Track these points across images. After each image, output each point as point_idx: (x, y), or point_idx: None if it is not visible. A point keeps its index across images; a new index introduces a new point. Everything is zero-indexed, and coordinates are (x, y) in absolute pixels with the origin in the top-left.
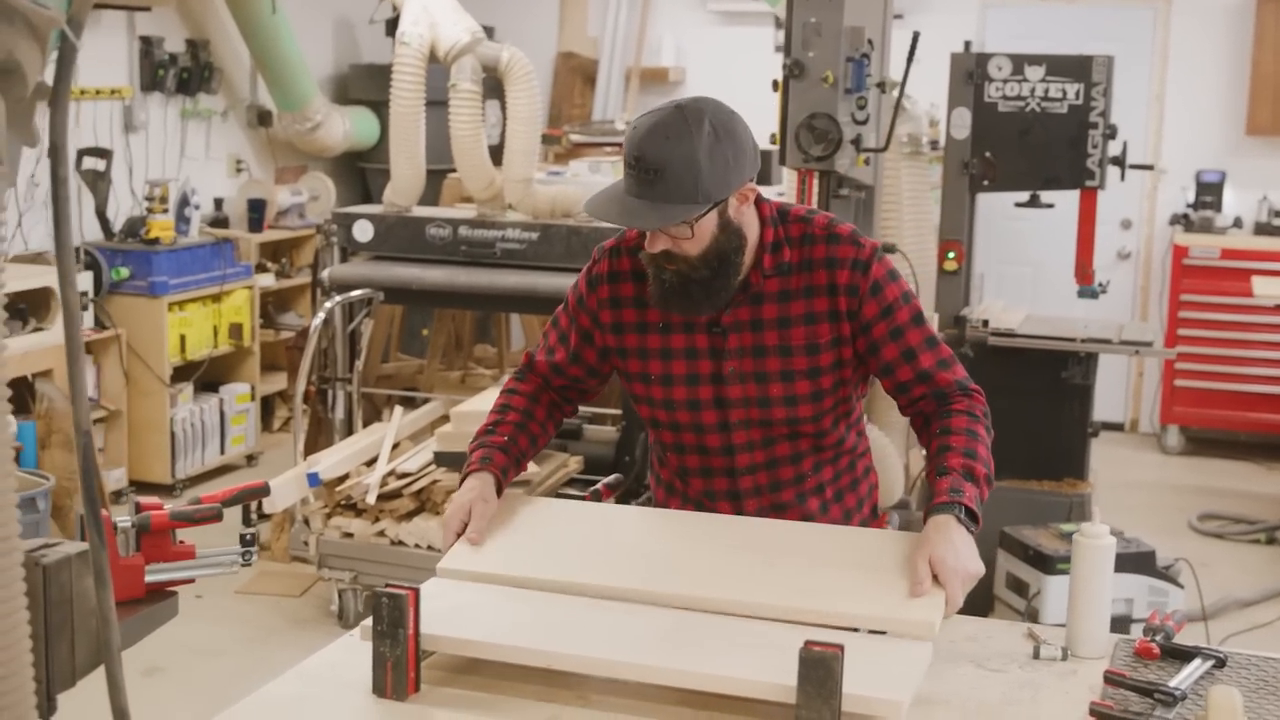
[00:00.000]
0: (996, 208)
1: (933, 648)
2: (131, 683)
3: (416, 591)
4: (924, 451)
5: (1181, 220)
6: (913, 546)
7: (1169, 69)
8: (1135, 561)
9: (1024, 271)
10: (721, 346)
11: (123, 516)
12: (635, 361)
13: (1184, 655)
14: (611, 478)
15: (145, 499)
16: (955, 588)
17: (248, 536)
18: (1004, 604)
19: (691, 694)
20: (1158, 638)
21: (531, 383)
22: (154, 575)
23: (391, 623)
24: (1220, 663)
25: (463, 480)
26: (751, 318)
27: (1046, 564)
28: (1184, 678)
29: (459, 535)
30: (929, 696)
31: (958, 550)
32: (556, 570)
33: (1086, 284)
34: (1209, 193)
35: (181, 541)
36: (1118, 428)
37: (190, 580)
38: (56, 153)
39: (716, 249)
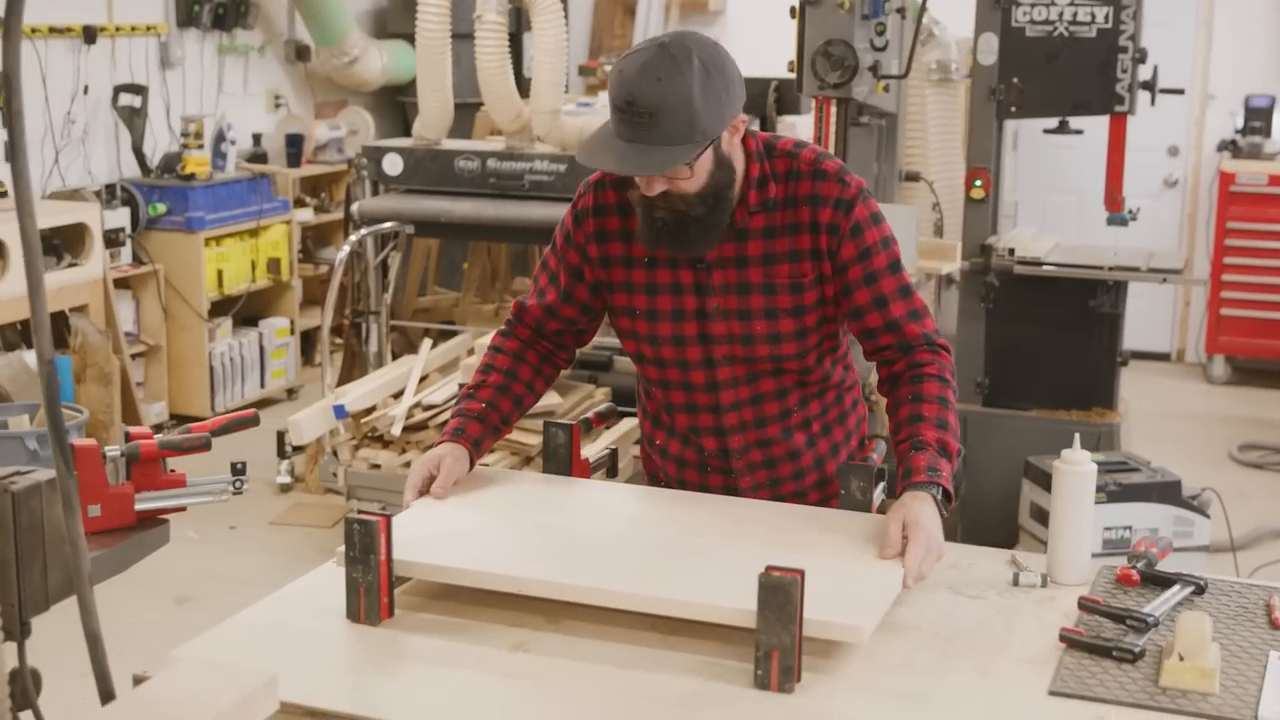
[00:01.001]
0: (1040, 135)
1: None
2: (163, 610)
3: (388, 518)
4: (888, 405)
5: (1229, 146)
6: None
7: None
8: (1160, 491)
9: (1068, 200)
10: (706, 283)
11: (112, 446)
12: (621, 295)
13: (1164, 582)
14: (603, 406)
15: (134, 429)
16: (919, 552)
17: (238, 465)
18: (1028, 534)
19: (660, 619)
20: (1139, 564)
21: (520, 336)
22: (144, 503)
23: (363, 549)
24: (1200, 589)
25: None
26: (736, 254)
27: None
28: (1159, 604)
29: (422, 493)
30: (901, 621)
31: (933, 521)
32: (495, 563)
33: (1116, 211)
34: (1258, 118)
35: (173, 470)
36: (1164, 358)
37: (181, 508)
38: (9, 84)
39: (713, 185)
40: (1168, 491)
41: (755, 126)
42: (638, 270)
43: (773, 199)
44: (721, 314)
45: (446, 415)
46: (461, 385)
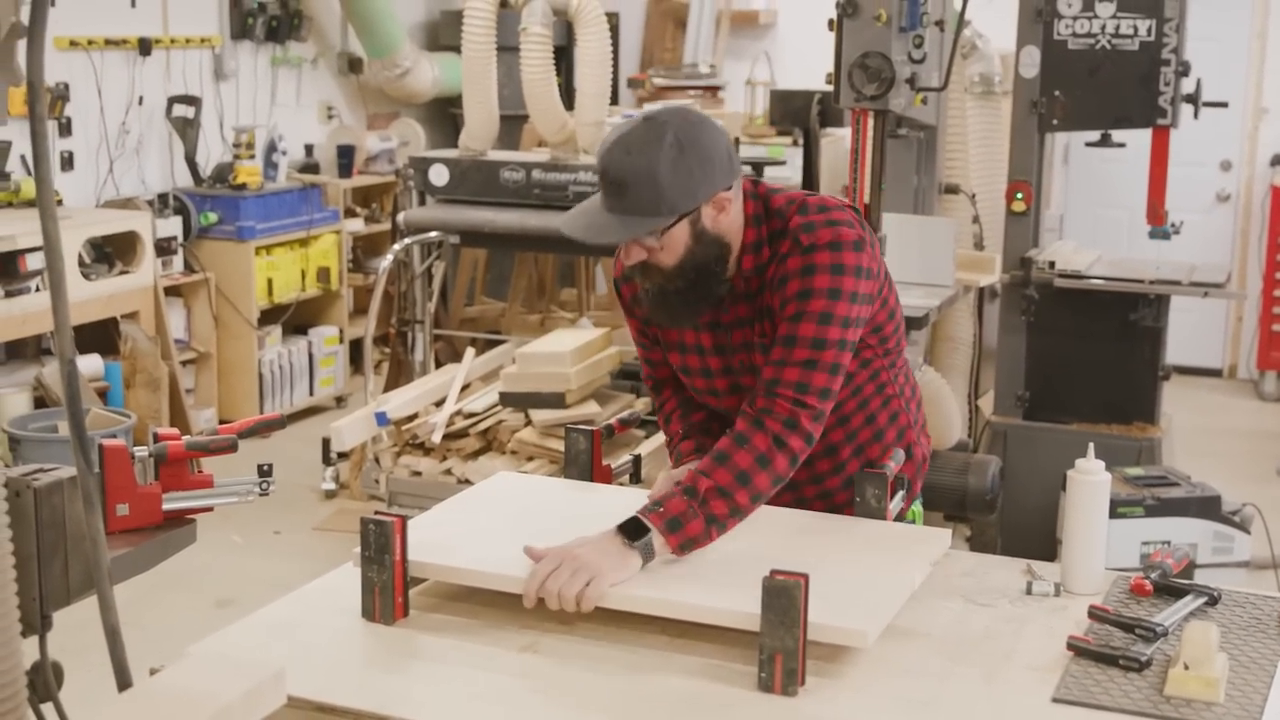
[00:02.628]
0: (1092, 150)
1: (921, 580)
2: (203, 612)
3: (403, 519)
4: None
5: None
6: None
7: (1272, 5)
8: (1199, 506)
9: (1118, 215)
10: (726, 343)
11: (141, 447)
12: (661, 350)
13: (1177, 592)
14: (625, 413)
15: (163, 430)
16: (535, 584)
17: (265, 467)
18: None
19: (669, 622)
20: (1154, 575)
21: (674, 396)
22: (171, 503)
23: (378, 549)
24: (1213, 600)
25: None
26: (748, 314)
27: (1110, 508)
28: (1170, 614)
29: None
30: (910, 628)
31: (590, 559)
32: (508, 566)
33: (1159, 225)
34: None
35: (200, 470)
36: (1215, 374)
37: (208, 509)
38: (33, 90)
39: (692, 260)
40: (1207, 506)
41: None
42: (670, 330)
43: (763, 261)
44: (746, 369)
45: (488, 423)
46: (501, 394)
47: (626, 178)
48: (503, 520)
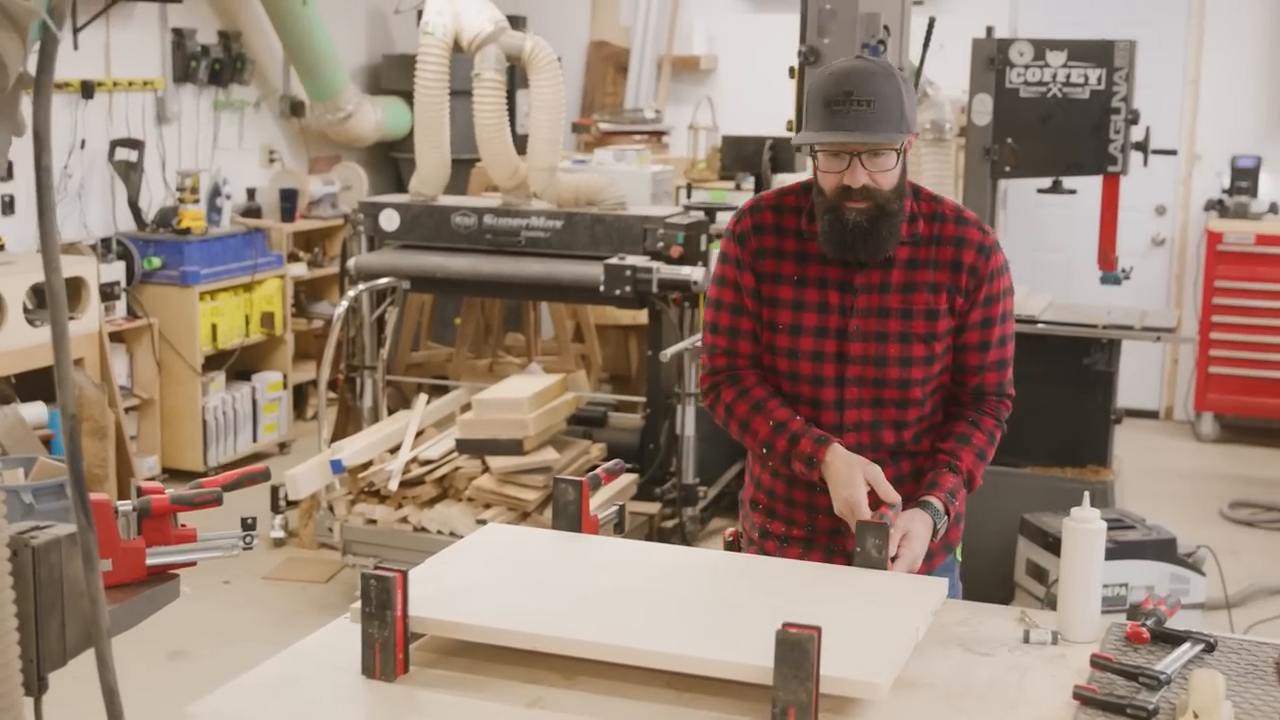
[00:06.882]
0: (1030, 195)
1: (925, 630)
2: (156, 665)
3: (404, 574)
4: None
5: (1216, 206)
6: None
7: (1204, 53)
8: (1156, 549)
9: (1057, 259)
10: (851, 304)
11: (124, 501)
12: (767, 309)
13: (1174, 639)
14: (612, 463)
15: (147, 484)
16: (902, 566)
17: (249, 520)
18: (1024, 590)
19: (676, 676)
20: (1148, 622)
21: (745, 379)
22: (155, 558)
23: (379, 604)
24: (1210, 647)
25: (812, 466)
26: (881, 280)
27: None
28: (1170, 661)
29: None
30: (913, 679)
31: (922, 543)
32: (511, 620)
33: (1109, 270)
34: (1244, 178)
35: (183, 525)
36: (1152, 415)
37: (191, 563)
38: (40, 141)
39: (899, 188)
40: (1164, 549)
41: (751, 183)
42: (785, 287)
43: (920, 234)
44: (860, 335)
45: (444, 470)
46: (458, 440)
47: (876, 96)
48: (498, 573)
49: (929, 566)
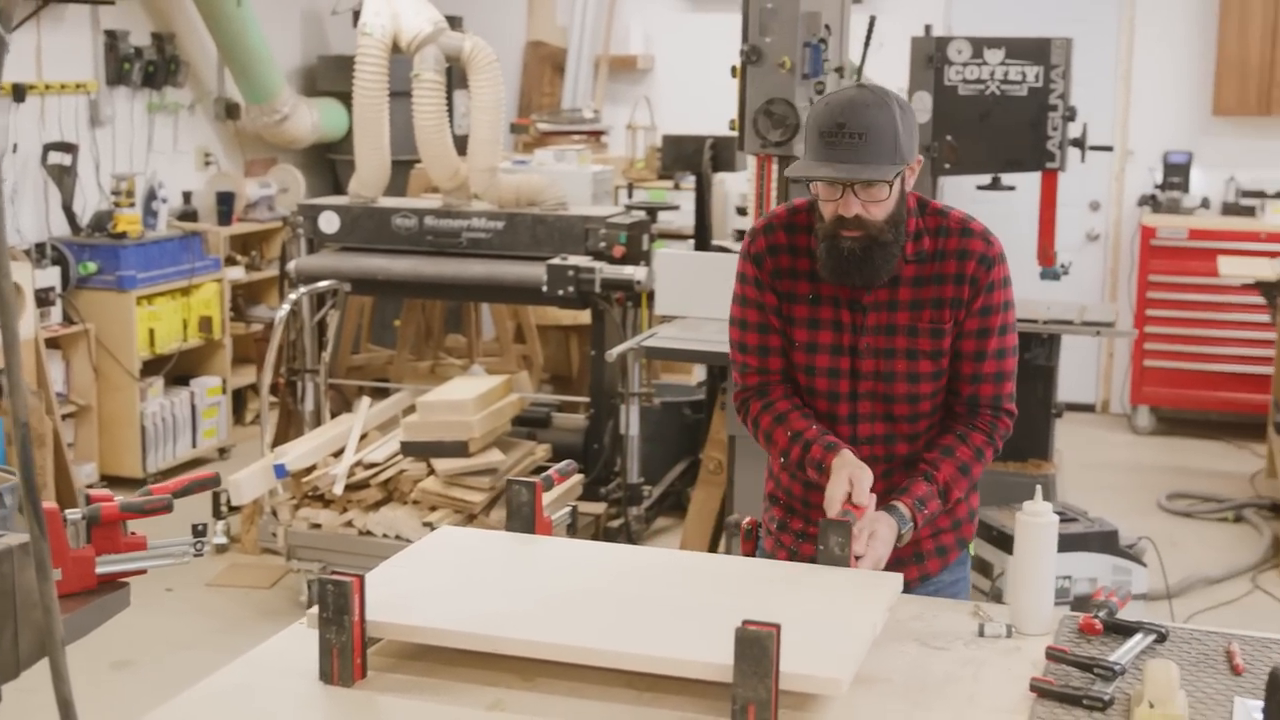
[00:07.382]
0: (964, 191)
1: (882, 625)
2: (100, 675)
3: (361, 579)
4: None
5: (1149, 201)
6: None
7: (1135, 50)
8: (1099, 541)
9: None
10: (861, 323)
11: (73, 510)
12: (785, 327)
13: (1126, 630)
14: (563, 464)
15: (95, 491)
16: (866, 566)
17: (200, 527)
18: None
19: (636, 675)
20: (1100, 614)
21: (779, 390)
22: (105, 566)
23: (336, 609)
24: (1161, 637)
25: (822, 471)
26: (889, 299)
27: (1010, 545)
28: (1124, 652)
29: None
30: (870, 674)
31: (887, 546)
32: (469, 623)
33: (1049, 265)
34: (1176, 174)
35: (133, 533)
36: (1089, 409)
37: (142, 571)
38: None
39: (895, 215)
40: (1106, 541)
41: (691, 182)
42: (800, 305)
43: (925, 251)
44: (871, 352)
45: (389, 473)
46: (403, 443)
47: (868, 129)
48: (454, 576)
49: (944, 561)
